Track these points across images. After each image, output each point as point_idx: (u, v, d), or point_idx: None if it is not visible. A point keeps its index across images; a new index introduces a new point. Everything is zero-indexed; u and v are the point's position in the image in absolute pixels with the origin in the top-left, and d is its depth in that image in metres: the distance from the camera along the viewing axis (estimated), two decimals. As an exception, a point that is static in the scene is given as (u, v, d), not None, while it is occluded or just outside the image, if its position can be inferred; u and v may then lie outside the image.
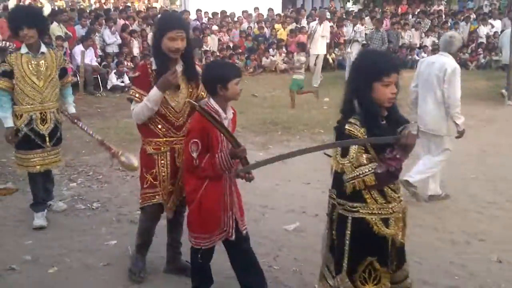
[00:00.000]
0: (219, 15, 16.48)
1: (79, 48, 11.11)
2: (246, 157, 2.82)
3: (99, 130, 7.51)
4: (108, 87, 11.32)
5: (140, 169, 3.26)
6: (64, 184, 5.33)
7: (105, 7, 21.84)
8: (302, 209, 4.68)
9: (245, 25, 16.25)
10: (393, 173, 2.33)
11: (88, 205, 4.75)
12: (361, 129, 2.36)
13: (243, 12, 16.95)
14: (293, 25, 15.87)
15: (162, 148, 3.13)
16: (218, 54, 14.05)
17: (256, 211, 4.59)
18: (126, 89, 11.38)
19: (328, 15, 17.42)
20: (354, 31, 13.32)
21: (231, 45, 14.81)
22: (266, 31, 16.00)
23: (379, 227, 2.40)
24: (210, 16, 16.42)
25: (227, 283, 3.29)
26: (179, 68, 3.10)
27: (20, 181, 5.35)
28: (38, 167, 4.20)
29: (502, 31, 14.21)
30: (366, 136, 2.35)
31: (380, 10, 18.34)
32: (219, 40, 14.78)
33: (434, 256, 3.83)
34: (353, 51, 13.36)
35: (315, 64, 12.74)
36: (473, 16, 17.71)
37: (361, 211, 2.41)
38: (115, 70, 11.62)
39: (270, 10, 17.39)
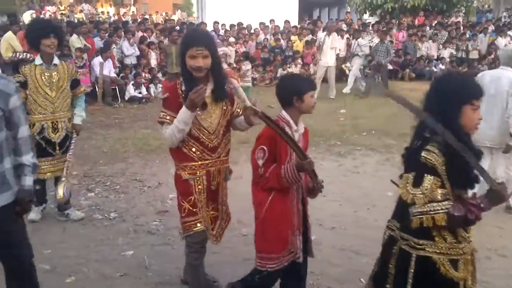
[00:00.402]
0: (236, 27, 16.62)
1: (98, 60, 11.26)
2: (314, 170, 2.68)
3: (116, 141, 7.62)
4: (126, 98, 11.45)
5: (177, 197, 3.07)
6: (82, 194, 5.38)
7: (123, 19, 22.26)
8: (318, 221, 4.64)
9: (261, 36, 16.35)
10: (470, 220, 2.12)
11: (106, 215, 4.78)
12: (440, 159, 2.13)
13: (259, 24, 17.07)
14: (309, 37, 15.91)
15: (198, 172, 2.95)
16: (235, 65, 14.12)
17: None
18: (144, 100, 11.52)
19: (344, 27, 17.47)
20: (358, 44, 13.27)
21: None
22: (283, 42, 16.06)
23: (447, 268, 2.19)
24: (227, 28, 16.57)
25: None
26: (210, 86, 2.93)
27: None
28: (48, 174, 4.39)
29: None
30: (444, 168, 2.12)
31: (396, 22, 18.31)
32: (236, 51, 14.88)
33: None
34: (354, 65, 13.36)
35: (317, 76, 12.44)
36: (491, 27, 17.57)
37: (427, 249, 2.20)
38: (133, 82, 11.75)
39: (287, 22, 17.47)
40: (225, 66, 10.07)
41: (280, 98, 2.84)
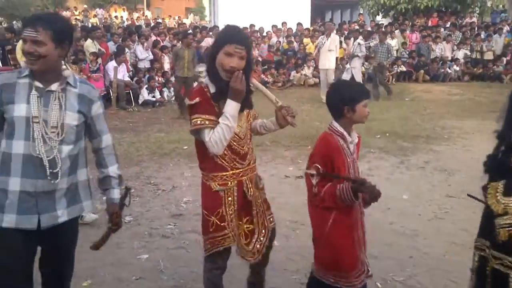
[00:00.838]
0: (248, 30, 16.67)
1: (112, 64, 11.37)
2: (370, 185, 2.41)
3: (130, 145, 7.67)
4: (140, 102, 11.54)
5: (202, 210, 2.79)
6: (98, 198, 5.41)
7: (137, 23, 22.41)
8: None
9: (274, 39, 16.37)
10: None
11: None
12: None
13: (272, 26, 17.09)
14: (322, 39, 15.90)
15: (230, 183, 2.68)
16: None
17: (286, 227, 4.56)
18: (158, 103, 11.60)
19: (357, 28, 17.41)
20: (359, 43, 13.09)
21: (260, 59, 14.95)
22: (295, 45, 16.06)
23: None
24: (240, 31, 16.61)
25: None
26: None
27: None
28: None
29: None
30: None
31: (410, 23, 18.20)
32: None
33: (472, 275, 3.71)
34: (354, 66, 13.02)
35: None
36: (506, 28, 17.38)
37: None
38: (146, 85, 11.84)
39: (299, 24, 17.49)
40: None
41: (330, 108, 2.63)
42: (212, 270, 2.79)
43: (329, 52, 11.76)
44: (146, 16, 29.08)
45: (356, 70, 13.02)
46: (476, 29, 17.52)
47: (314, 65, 14.80)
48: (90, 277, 3.67)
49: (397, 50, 16.25)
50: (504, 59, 16.11)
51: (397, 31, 16.68)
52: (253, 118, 2.88)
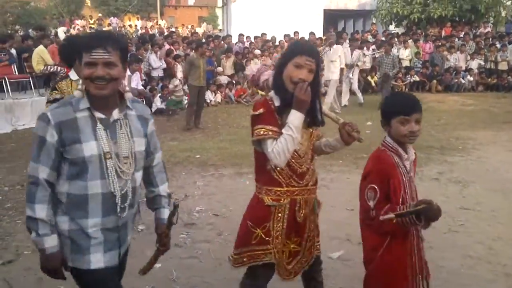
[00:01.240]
0: (259, 38, 16.77)
1: (126, 73, 11.45)
2: (436, 208, 2.26)
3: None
4: (153, 110, 11.60)
5: (245, 221, 2.72)
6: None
7: (150, 32, 22.61)
8: (346, 236, 4.59)
9: (286, 49, 16.43)
10: None
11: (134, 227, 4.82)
12: None
13: (284, 36, 17.15)
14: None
15: (283, 199, 2.60)
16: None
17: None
18: (170, 112, 11.66)
19: (370, 38, 17.40)
20: (363, 53, 12.92)
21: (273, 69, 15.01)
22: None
23: None
24: (252, 40, 16.71)
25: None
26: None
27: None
28: None
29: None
30: None
31: (423, 33, 18.14)
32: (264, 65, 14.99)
33: (487, 289, 3.66)
34: (354, 77, 12.89)
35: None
36: (521, 38, 17.24)
37: None
38: (160, 94, 11.92)
39: (312, 33, 17.51)
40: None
41: (382, 121, 2.51)
42: (251, 287, 2.73)
43: (331, 63, 11.58)
44: (160, 25, 29.32)
45: (354, 80, 12.90)
46: (490, 39, 17.40)
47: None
48: (103, 286, 3.67)
49: (410, 60, 16.20)
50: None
51: (410, 41, 16.63)
52: (316, 138, 2.75)
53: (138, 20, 32.48)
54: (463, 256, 4.18)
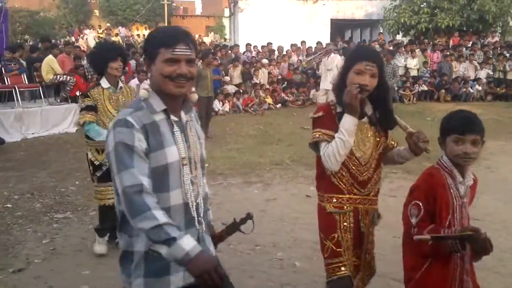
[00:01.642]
0: (266, 48, 16.86)
1: (134, 82, 11.53)
2: (483, 237, 2.09)
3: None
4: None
5: (319, 234, 2.66)
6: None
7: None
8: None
9: (294, 58, 16.47)
10: None
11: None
12: None
13: (291, 45, 17.21)
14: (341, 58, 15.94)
15: (345, 206, 2.54)
16: (267, 87, 14.28)
17: (309, 248, 4.52)
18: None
19: (377, 47, 17.40)
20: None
21: (280, 77, 15.13)
22: (314, 64, 16.14)
23: None
24: (259, 49, 16.80)
25: None
26: (368, 111, 2.57)
27: (79, 210, 5.54)
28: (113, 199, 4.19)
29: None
30: None
31: (430, 43, 18.13)
32: (269, 73, 15.05)
33: (499, 301, 3.63)
34: None
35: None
36: (529, 47, 17.19)
37: None
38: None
39: (319, 43, 17.54)
40: None
41: (439, 138, 2.39)
42: None
43: (328, 72, 11.49)
44: (168, 34, 29.48)
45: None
46: (498, 48, 17.37)
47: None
48: (113, 295, 3.68)
49: (418, 69, 16.18)
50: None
51: (417, 50, 16.63)
52: (384, 147, 2.65)
53: (146, 29, 32.72)
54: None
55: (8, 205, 5.71)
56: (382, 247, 4.57)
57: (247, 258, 4.30)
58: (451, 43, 18.50)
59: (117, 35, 26.49)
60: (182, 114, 2.00)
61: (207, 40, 30.17)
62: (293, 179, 6.77)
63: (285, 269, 4.11)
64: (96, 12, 42.32)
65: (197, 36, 31.31)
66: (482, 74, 16.00)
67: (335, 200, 2.55)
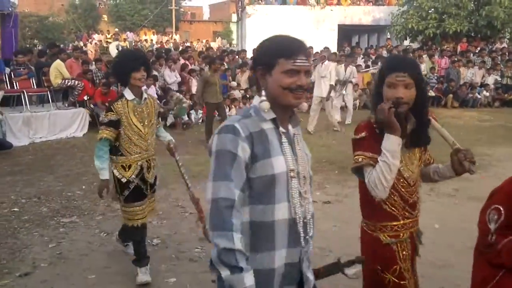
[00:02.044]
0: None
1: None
2: None
3: (158, 167, 7.73)
4: (168, 124, 11.69)
5: (369, 266, 2.35)
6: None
7: (166, 46, 22.87)
8: (360, 252, 4.54)
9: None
10: None
11: (148, 241, 4.82)
12: None
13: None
14: (349, 64, 15.90)
15: (401, 234, 2.33)
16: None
17: (315, 254, 4.48)
18: (184, 126, 11.74)
19: (384, 53, 17.39)
20: (369, 67, 12.46)
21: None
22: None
23: None
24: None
25: None
26: (410, 126, 2.34)
27: (85, 215, 5.56)
28: (146, 217, 3.99)
29: None
30: None
31: (438, 48, 18.09)
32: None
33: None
34: (348, 93, 12.51)
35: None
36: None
37: None
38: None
39: (326, 48, 17.55)
40: None
41: None
42: None
43: (322, 79, 11.30)
44: (175, 39, 29.68)
45: (348, 97, 12.62)
46: (507, 54, 17.30)
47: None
48: (118, 300, 3.68)
49: (425, 75, 16.14)
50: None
51: (425, 56, 16.60)
52: (424, 163, 2.50)
53: (153, 34, 32.93)
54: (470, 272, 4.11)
55: (15, 209, 5.75)
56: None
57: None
58: (459, 49, 18.46)
59: (125, 40, 26.68)
60: (290, 126, 1.93)
61: (214, 45, 30.29)
62: (299, 185, 6.76)
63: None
64: (105, 17, 42.70)
65: (204, 41, 31.49)
66: (490, 80, 15.94)
67: (390, 229, 2.33)
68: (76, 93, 11.10)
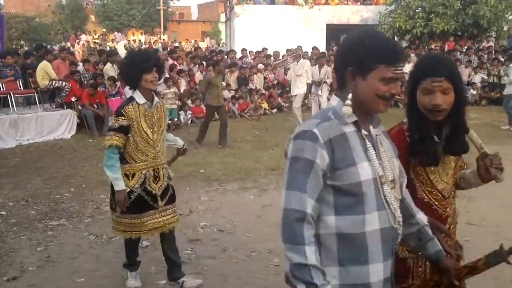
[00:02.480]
0: (262, 53, 16.92)
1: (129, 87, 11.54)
2: None
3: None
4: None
5: None
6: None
7: (154, 46, 22.78)
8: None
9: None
10: None
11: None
12: None
13: (286, 50, 17.26)
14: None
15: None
16: (263, 92, 14.31)
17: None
18: (174, 126, 11.70)
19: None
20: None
21: (276, 82, 15.16)
22: (282, 69, 16.22)
23: None
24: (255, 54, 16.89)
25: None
26: (445, 132, 2.14)
27: (74, 217, 5.52)
28: (152, 230, 3.71)
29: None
30: None
31: (426, 47, 18.22)
32: (264, 78, 15.09)
33: (495, 306, 3.62)
34: (323, 94, 12.16)
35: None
36: (523, 52, 17.29)
37: None
38: (163, 108, 11.96)
39: (315, 48, 17.59)
40: None
41: None
42: None
43: (297, 77, 11.28)
44: (163, 40, 29.58)
45: (323, 97, 12.19)
46: (493, 53, 17.47)
47: (330, 88, 14.75)
48: (108, 303, 3.66)
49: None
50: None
51: (413, 55, 16.70)
52: (459, 168, 2.32)
53: (141, 35, 32.79)
54: (470, 273, 4.14)
55: (3, 212, 5.69)
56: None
57: (242, 265, 4.29)
58: (446, 47, 18.60)
59: (113, 40, 26.53)
60: (371, 127, 1.78)
61: (203, 45, 30.23)
62: (289, 185, 6.76)
63: (281, 275, 4.05)
64: (92, 17, 42.40)
65: (192, 41, 31.41)
66: (477, 78, 16.08)
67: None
68: (64, 94, 11.00)
